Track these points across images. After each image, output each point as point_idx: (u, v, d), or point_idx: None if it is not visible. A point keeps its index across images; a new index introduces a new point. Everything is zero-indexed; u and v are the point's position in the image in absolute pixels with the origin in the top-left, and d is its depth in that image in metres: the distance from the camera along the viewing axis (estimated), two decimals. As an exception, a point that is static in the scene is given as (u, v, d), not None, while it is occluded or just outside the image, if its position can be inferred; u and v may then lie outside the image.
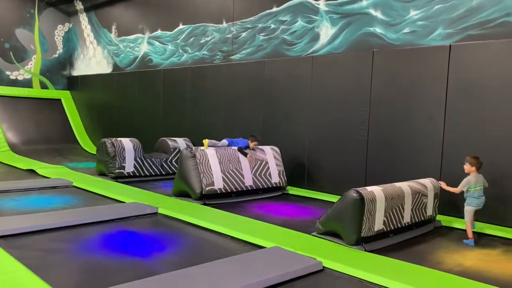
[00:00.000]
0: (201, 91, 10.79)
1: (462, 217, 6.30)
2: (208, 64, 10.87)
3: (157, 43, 12.57)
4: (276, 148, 8.33)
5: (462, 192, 5.50)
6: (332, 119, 8.08)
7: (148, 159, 9.28)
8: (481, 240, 5.54)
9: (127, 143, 9.07)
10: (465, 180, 5.43)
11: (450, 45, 6.63)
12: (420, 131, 6.92)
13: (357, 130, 7.66)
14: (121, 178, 8.79)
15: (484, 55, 6.31)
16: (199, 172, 6.97)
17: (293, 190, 8.26)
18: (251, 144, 7.88)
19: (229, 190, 7.29)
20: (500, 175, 6.07)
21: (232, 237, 5.12)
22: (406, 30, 7.33)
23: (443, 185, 5.68)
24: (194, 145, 9.25)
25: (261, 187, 7.78)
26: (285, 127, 8.86)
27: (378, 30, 7.69)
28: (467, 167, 5.45)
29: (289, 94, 8.80)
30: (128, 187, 7.93)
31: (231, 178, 7.34)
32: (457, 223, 6.12)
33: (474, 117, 6.34)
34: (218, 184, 7.14)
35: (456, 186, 5.51)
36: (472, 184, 5.37)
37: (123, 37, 13.85)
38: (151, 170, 9.29)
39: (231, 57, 10.34)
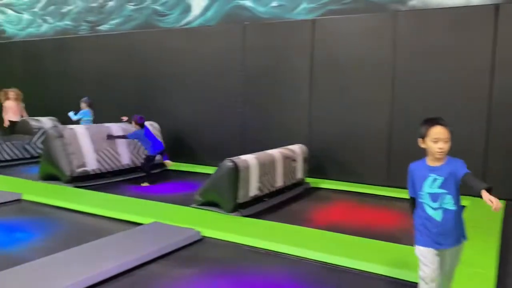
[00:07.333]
0: (66, 65, 9.94)
1: (329, 178, 6.95)
2: (73, 35, 10.02)
3: (10, 11, 11.16)
4: (155, 124, 8.11)
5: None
6: (209, 92, 8.12)
7: (7, 142, 8.34)
8: (341, 195, 6.17)
9: (-20, 125, 8.03)
10: None
11: (313, 19, 7.07)
12: (291, 101, 7.34)
13: (233, 102, 7.83)
14: (-25, 165, 7.80)
15: (342, 29, 6.86)
16: (68, 153, 6.49)
17: (173, 166, 8.18)
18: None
19: (103, 171, 6.93)
20: (354, 134, 6.78)
21: (108, 218, 4.92)
22: (274, 3, 7.61)
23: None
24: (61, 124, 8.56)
25: (139, 165, 7.54)
26: (161, 102, 8.67)
27: (247, 3, 7.84)
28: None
29: (163, 67, 8.59)
30: (-16, 174, 7.06)
31: (105, 158, 6.98)
32: (324, 184, 6.72)
33: (336, 85, 6.91)
34: (91, 164, 6.74)
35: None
36: None
37: (-34, 4, 12.00)
38: (12, 154, 8.38)
39: (98, 28, 9.67)
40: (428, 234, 2.52)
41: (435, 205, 2.49)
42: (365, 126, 6.73)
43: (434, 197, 2.49)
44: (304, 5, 7.35)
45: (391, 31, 6.43)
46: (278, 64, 7.40)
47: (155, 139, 7.04)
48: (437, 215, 2.50)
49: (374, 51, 6.57)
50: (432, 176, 2.50)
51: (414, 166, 2.62)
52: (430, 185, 2.50)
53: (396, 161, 6.49)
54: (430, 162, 2.54)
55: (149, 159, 7.05)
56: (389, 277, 3.42)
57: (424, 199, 2.53)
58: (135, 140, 7.33)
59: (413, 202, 2.67)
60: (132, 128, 7.01)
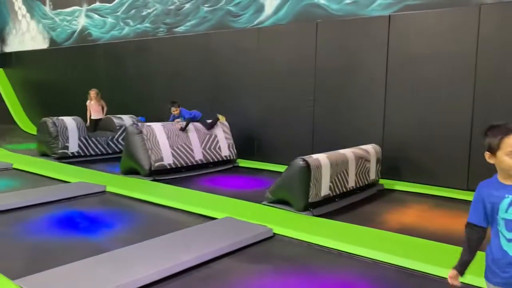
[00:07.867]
0: (145, 65, 10.49)
1: (403, 180, 6.71)
2: (152, 37, 10.55)
3: (96, 16, 12.01)
4: (225, 122, 8.34)
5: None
6: (279, 90, 8.17)
7: (93, 138, 8.99)
8: (416, 198, 5.92)
9: (70, 122, 8.72)
10: None
11: (389, 15, 6.85)
12: (363, 99, 7.17)
13: (303, 101, 7.81)
14: (65, 158, 8.48)
15: (420, 24, 6.57)
16: (147, 148, 6.87)
17: (243, 163, 8.35)
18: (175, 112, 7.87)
19: (178, 165, 7.24)
20: (430, 134, 6.46)
21: (183, 211, 5.15)
22: (348, 0, 7.47)
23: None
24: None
25: (211, 160, 7.80)
26: (233, 100, 8.86)
27: (321, 1, 7.77)
28: None
29: (236, 67, 8.77)
30: (73, 167, 7.67)
31: (180, 153, 7.29)
32: (398, 186, 6.49)
33: (413, 83, 6.64)
34: (167, 159, 7.07)
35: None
36: None
37: (59, 10, 13.08)
38: (96, 149, 9.02)
39: (175, 30, 10.09)
40: (499, 269, 1.95)
41: (510, 235, 1.92)
42: (443, 125, 6.39)
43: (509, 225, 1.92)
44: (379, 1, 7.14)
45: (475, 26, 6.05)
46: (351, 62, 7.25)
47: (192, 112, 7.92)
48: (511, 249, 1.93)
49: (454, 47, 6.22)
50: (509, 197, 1.91)
51: (486, 185, 2.00)
52: (506, 209, 1.91)
53: (477, 162, 6.09)
54: (503, 179, 1.95)
55: (204, 120, 7.95)
56: (469, 284, 3.23)
57: (500, 226, 1.95)
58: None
59: (474, 231, 2.02)
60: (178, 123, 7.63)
